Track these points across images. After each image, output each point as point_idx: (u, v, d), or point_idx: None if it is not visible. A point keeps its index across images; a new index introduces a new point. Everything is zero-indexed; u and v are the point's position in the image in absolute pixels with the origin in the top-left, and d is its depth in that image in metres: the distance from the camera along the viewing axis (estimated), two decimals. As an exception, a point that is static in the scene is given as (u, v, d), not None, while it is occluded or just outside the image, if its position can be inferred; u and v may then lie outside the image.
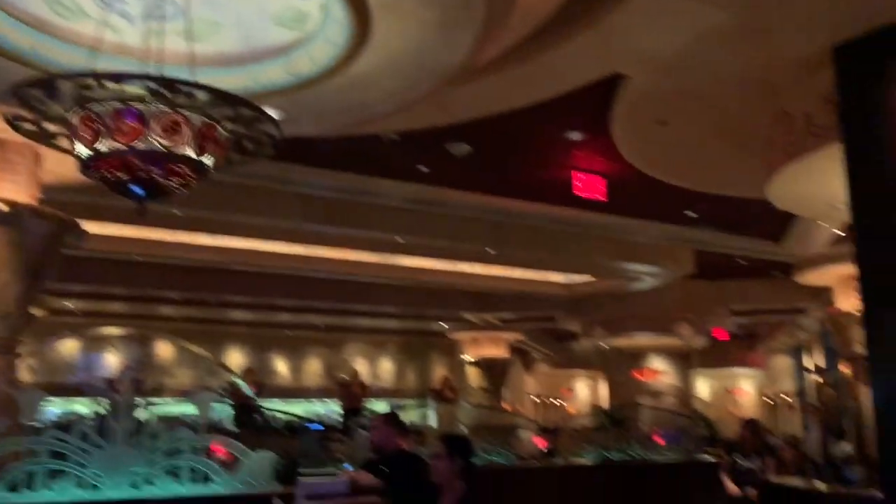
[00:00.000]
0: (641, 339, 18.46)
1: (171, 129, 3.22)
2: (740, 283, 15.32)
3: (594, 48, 5.27)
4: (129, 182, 3.27)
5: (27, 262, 5.94)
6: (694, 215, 10.20)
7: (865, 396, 8.95)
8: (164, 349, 18.55)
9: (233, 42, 4.41)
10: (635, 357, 20.28)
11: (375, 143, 7.30)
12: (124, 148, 3.17)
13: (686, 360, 21.77)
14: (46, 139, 3.40)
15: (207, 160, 3.38)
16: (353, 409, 15.02)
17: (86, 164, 3.25)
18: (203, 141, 3.32)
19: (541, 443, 10.88)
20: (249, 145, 3.60)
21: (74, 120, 3.20)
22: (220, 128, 3.38)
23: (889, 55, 4.45)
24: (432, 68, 4.20)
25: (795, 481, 5.86)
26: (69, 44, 4.10)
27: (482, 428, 14.03)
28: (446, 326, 19.31)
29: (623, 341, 18.58)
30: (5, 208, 5.65)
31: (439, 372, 21.62)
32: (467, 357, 19.11)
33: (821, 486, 6.05)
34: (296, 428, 10.91)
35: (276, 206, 9.67)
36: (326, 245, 12.16)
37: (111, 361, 17.02)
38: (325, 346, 21.84)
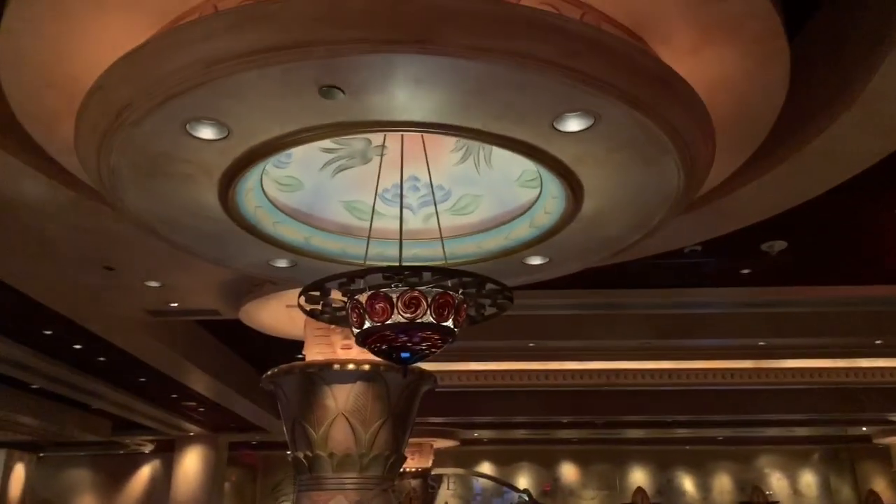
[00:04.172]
0: None
1: (412, 304, 3.93)
2: None
3: (866, 123, 4.79)
4: (390, 351, 4.07)
5: (392, 410, 7.24)
6: None
7: None
8: (568, 470, 19.38)
9: (490, 209, 5.12)
10: None
11: (682, 257, 7.30)
12: (379, 325, 3.97)
13: None
14: (338, 322, 4.40)
15: (449, 323, 4.01)
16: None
17: (360, 341, 4.13)
18: (440, 309, 3.97)
19: None
20: (486, 303, 4.18)
21: (348, 306, 4.12)
22: (455, 294, 4.01)
23: None
24: (656, 198, 4.33)
25: None
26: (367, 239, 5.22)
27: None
28: (866, 430, 16.75)
29: None
30: (368, 368, 7.07)
31: (875, 484, 18.58)
32: (904, 465, 16.18)
33: None
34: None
35: (629, 329, 10.16)
36: (700, 359, 12.09)
37: (520, 484, 18.38)
38: (732, 460, 20.45)
